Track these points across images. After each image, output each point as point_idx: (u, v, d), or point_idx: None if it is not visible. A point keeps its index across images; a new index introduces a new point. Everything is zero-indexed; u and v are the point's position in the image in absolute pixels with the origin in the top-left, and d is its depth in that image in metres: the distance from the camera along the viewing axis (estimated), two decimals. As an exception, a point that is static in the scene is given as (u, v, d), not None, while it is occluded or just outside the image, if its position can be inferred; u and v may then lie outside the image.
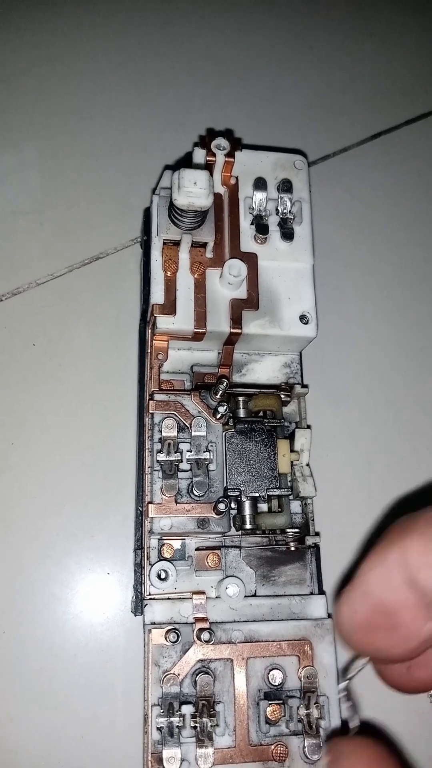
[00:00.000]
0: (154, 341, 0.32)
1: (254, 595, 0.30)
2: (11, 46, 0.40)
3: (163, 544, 0.29)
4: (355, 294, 0.38)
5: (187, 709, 0.26)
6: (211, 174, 0.31)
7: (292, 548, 0.30)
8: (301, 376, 0.33)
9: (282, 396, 0.32)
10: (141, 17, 0.42)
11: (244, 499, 0.29)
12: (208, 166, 0.32)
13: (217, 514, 0.28)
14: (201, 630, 0.27)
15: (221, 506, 0.28)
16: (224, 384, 0.29)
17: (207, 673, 0.27)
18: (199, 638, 0.27)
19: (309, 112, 0.43)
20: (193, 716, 0.26)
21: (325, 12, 0.46)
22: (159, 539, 0.30)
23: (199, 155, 0.32)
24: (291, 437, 0.31)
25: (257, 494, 0.29)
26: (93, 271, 0.36)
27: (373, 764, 0.18)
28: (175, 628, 0.27)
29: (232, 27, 0.44)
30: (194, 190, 0.28)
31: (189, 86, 0.41)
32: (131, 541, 0.32)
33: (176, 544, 0.30)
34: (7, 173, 0.37)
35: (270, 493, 0.30)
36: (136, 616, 0.29)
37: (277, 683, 0.28)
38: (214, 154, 0.31)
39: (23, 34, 0.40)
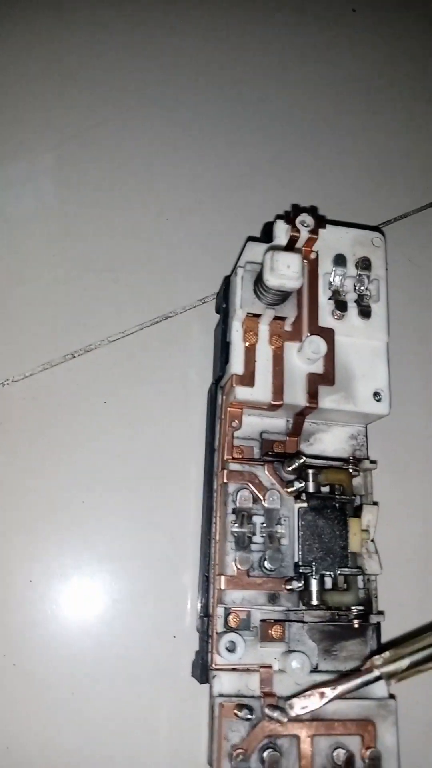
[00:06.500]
0: (228, 408, 0.32)
1: (317, 670, 0.30)
2: (83, 102, 0.41)
3: (230, 613, 0.30)
4: (416, 364, 0.39)
5: (254, 786, 0.27)
6: (293, 249, 0.32)
7: (356, 625, 0.30)
8: (367, 448, 0.34)
9: (351, 470, 0.32)
10: (215, 89, 0.43)
11: (313, 575, 0.30)
12: (291, 241, 0.32)
13: (288, 591, 0.29)
14: (272, 707, 0.28)
15: (296, 584, 0.28)
16: (301, 460, 0.30)
17: (274, 749, 0.27)
18: (271, 716, 0.27)
19: (369, 178, 0.43)
20: (260, 793, 0.27)
21: (388, 78, 0.47)
22: (225, 608, 0.30)
23: (281, 229, 0.33)
24: (357, 511, 0.32)
25: (329, 572, 0.30)
26: (162, 329, 0.36)
27: None
28: (248, 705, 0.28)
29: (297, 92, 0.44)
30: (287, 273, 0.28)
31: (259, 152, 0.42)
32: (192, 604, 0.32)
33: (242, 613, 0.30)
34: (85, 231, 0.37)
35: (340, 572, 0.30)
36: (201, 684, 0.29)
37: (342, 762, 0.28)
38: (297, 230, 0.32)
39: (96, 88, 0.41)
